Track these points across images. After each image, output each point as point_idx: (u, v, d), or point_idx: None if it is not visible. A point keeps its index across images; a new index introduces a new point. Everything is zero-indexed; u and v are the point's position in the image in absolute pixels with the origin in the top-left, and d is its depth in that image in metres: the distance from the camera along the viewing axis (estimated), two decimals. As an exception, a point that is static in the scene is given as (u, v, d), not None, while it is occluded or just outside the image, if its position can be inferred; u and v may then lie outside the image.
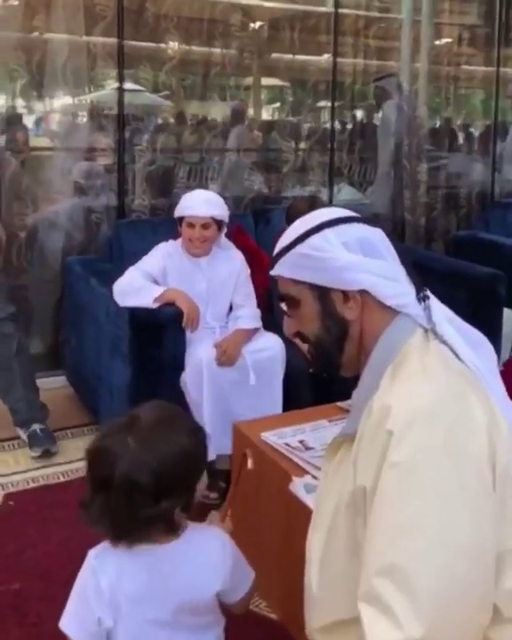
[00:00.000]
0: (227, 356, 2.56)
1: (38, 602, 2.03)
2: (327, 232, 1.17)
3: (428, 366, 1.08)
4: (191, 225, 2.69)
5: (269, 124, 4.33)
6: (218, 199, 2.78)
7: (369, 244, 1.17)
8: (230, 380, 2.52)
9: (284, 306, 1.24)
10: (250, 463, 1.39)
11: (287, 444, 2.01)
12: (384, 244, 1.19)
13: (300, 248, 1.18)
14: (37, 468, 2.74)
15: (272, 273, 1.23)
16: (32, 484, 2.63)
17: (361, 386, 1.17)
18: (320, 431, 2.06)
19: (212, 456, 2.50)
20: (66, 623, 1.23)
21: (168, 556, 1.21)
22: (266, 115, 4.53)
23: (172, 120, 4.02)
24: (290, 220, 2.22)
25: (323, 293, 1.17)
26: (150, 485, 1.11)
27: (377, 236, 1.19)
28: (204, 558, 1.24)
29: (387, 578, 0.93)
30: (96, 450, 1.16)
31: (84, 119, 3.79)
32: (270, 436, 2.06)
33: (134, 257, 2.88)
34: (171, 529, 1.18)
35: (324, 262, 1.15)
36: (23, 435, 2.92)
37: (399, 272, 1.18)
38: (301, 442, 2.01)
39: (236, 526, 2.22)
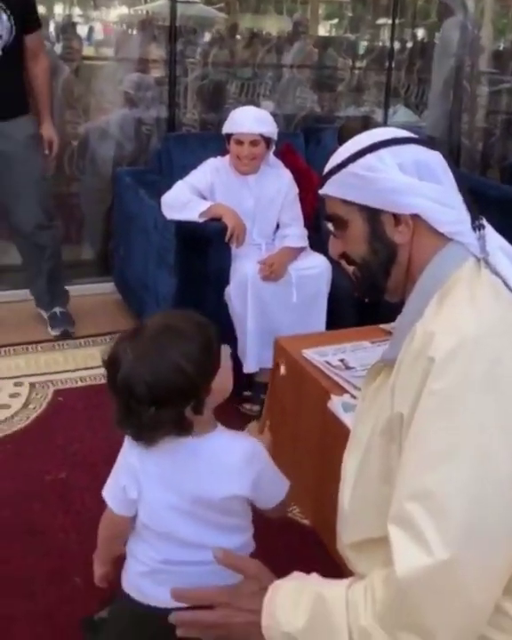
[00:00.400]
0: (272, 271, 2.50)
1: (82, 492, 2.08)
2: (382, 152, 1.08)
3: (477, 296, 1.01)
4: (239, 142, 2.59)
5: (326, 41, 4.08)
6: (267, 116, 2.67)
7: (425, 167, 1.08)
8: (274, 296, 2.48)
9: (330, 226, 1.16)
10: (283, 370, 1.34)
11: (328, 362, 1.98)
12: (442, 167, 1.10)
13: (352, 167, 1.09)
14: (85, 369, 2.77)
15: (320, 192, 1.15)
16: (80, 383, 2.67)
17: (405, 311, 1.11)
18: (361, 352, 2.01)
19: (254, 369, 2.50)
20: (104, 490, 1.30)
21: (190, 448, 1.19)
22: (323, 31, 4.24)
23: (225, 33, 3.80)
24: (342, 140, 2.09)
25: (373, 215, 1.09)
26: (145, 395, 1.08)
27: (435, 159, 1.10)
28: (225, 459, 1.20)
29: (419, 503, 0.91)
30: (106, 355, 1.15)
31: (137, 30, 3.60)
32: (311, 353, 2.02)
33: (182, 170, 2.80)
34: (182, 430, 1.14)
35: (377, 183, 1.07)
36: (45, 315, 3.07)
37: (455, 198, 1.09)
38: (342, 361, 1.97)
39: (275, 436, 2.24)
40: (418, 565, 0.88)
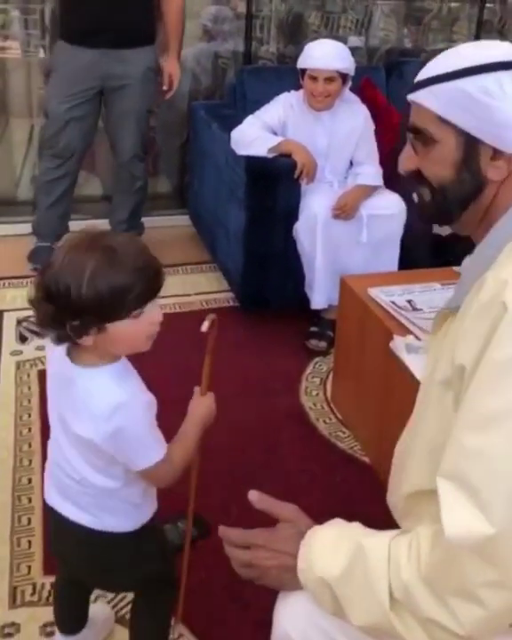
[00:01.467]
0: (344, 209, 2.32)
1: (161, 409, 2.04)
2: (502, 75, 0.87)
3: None
4: (314, 78, 2.37)
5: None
6: (344, 50, 2.41)
7: None
8: (344, 235, 2.32)
9: (412, 139, 0.96)
10: (204, 326, 1.14)
11: (393, 303, 1.83)
12: None
13: (463, 83, 0.88)
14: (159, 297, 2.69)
15: (412, 98, 0.94)
16: (150, 312, 2.61)
17: (476, 256, 0.94)
18: (430, 293, 1.85)
19: (322, 305, 2.37)
20: None
21: (73, 373, 1.07)
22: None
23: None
24: None
25: (471, 143, 0.90)
26: (44, 286, 1.00)
27: None
28: (89, 401, 1.04)
29: (477, 463, 0.78)
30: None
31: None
32: (378, 293, 1.88)
33: (257, 104, 2.61)
34: (58, 339, 1.04)
35: (489, 111, 0.87)
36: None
37: None
38: (409, 302, 1.82)
39: (339, 375, 2.13)
40: (470, 527, 0.76)
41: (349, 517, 1.73)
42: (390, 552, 0.86)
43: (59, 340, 1.05)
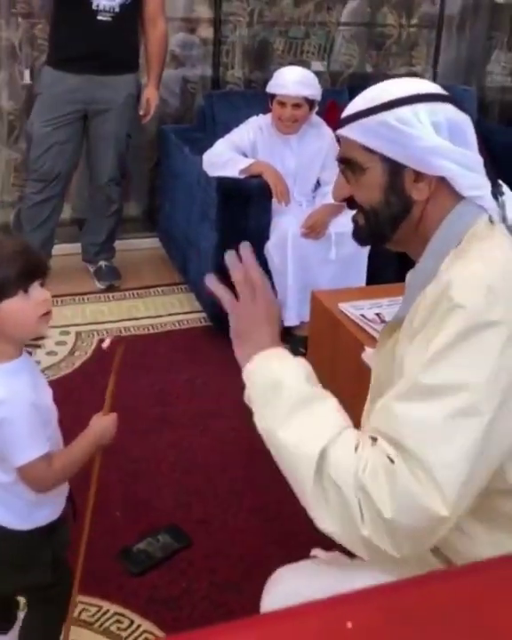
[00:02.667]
0: (314, 228, 2.44)
1: (123, 434, 2.05)
2: (419, 107, 1.00)
3: (494, 247, 0.96)
4: (282, 103, 2.52)
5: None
6: (312, 78, 2.58)
7: (458, 130, 1.01)
8: (314, 253, 2.43)
9: (343, 169, 1.08)
10: (105, 343, 1.23)
11: (363, 316, 1.94)
12: (470, 131, 1.03)
13: (384, 116, 1.00)
14: (129, 320, 2.77)
15: (341, 133, 1.06)
16: (123, 333, 2.67)
17: (417, 270, 1.05)
18: (397, 306, 1.95)
19: (295, 322, 2.47)
20: None
21: None
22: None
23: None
24: None
25: (395, 168, 1.01)
26: None
27: (466, 121, 1.03)
28: None
29: (421, 433, 0.86)
30: None
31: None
32: (347, 307, 1.98)
33: (226, 128, 2.73)
34: None
35: (409, 139, 0.99)
36: (91, 268, 3.08)
37: (479, 163, 1.03)
38: (378, 314, 1.93)
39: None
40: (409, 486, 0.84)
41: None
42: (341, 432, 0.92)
43: None
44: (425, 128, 0.99)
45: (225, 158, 2.52)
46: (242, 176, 2.49)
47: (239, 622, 0.43)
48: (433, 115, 1.00)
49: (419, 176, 1.01)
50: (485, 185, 1.02)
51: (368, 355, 1.80)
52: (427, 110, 1.00)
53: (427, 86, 1.04)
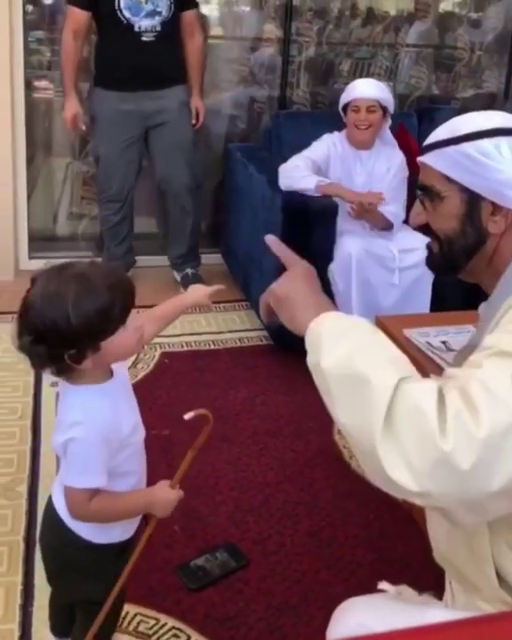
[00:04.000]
0: (359, 210, 2.50)
1: (183, 447, 2.10)
2: (501, 140, 1.02)
3: None
4: (356, 109, 2.60)
5: (447, 19, 3.87)
6: (383, 85, 2.70)
7: None
8: (378, 276, 2.44)
9: (421, 196, 1.11)
10: (188, 415, 1.16)
11: (429, 343, 1.93)
12: None
13: (465, 147, 1.03)
14: (191, 334, 2.83)
15: (422, 159, 1.10)
16: (185, 348, 2.73)
17: (491, 302, 1.06)
18: (464, 335, 1.94)
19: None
20: None
21: (62, 390, 1.21)
22: (443, 8, 4.02)
23: (346, 12, 3.68)
24: None
25: (473, 199, 1.04)
26: (29, 324, 1.10)
27: None
28: (61, 411, 1.20)
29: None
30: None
31: (252, 8, 3.56)
32: (413, 333, 1.99)
33: (292, 147, 2.78)
34: (58, 372, 1.15)
35: (488, 171, 1.02)
36: (177, 277, 3.21)
37: None
38: (444, 342, 1.92)
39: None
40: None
41: (385, 551, 1.82)
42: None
43: (59, 374, 1.16)
44: (505, 160, 1.01)
45: (301, 173, 2.56)
46: (317, 193, 2.52)
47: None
48: None
49: (496, 209, 1.03)
50: None
51: (433, 382, 1.80)
52: (508, 143, 1.02)
53: (510, 120, 1.06)
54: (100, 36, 2.96)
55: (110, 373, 1.21)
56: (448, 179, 1.05)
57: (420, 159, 1.11)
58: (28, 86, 3.22)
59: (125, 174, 3.01)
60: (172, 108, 2.95)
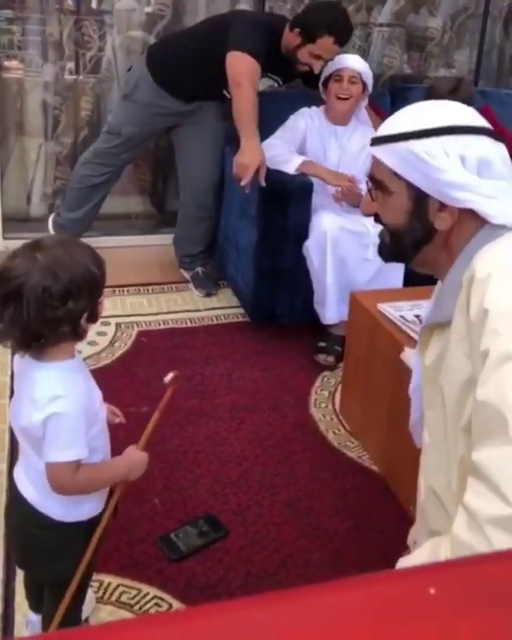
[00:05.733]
0: (345, 193, 2.51)
1: (161, 425, 2.14)
2: (448, 139, 1.02)
3: None
4: (339, 79, 2.62)
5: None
6: (365, 63, 2.72)
7: (487, 164, 1.03)
8: (352, 252, 2.45)
9: (371, 188, 1.12)
10: (167, 378, 1.28)
11: (402, 317, 1.96)
12: (504, 162, 1.05)
13: (413, 144, 1.03)
14: (167, 313, 2.83)
15: (373, 151, 1.09)
16: (162, 326, 2.73)
17: (446, 283, 1.09)
18: (437, 308, 1.98)
19: (334, 320, 2.49)
20: None
21: (29, 368, 1.20)
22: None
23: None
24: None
25: (420, 196, 1.05)
26: (59, 290, 1.11)
27: (498, 153, 1.04)
28: (32, 388, 1.17)
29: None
30: (5, 267, 1.13)
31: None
32: (387, 308, 2.01)
33: (267, 126, 2.75)
34: (76, 333, 1.17)
35: (433, 171, 1.02)
36: (187, 275, 3.07)
37: (508, 190, 1.03)
38: (417, 316, 1.95)
39: (349, 388, 2.25)
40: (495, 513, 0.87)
41: (362, 520, 1.85)
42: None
43: (75, 336, 1.17)
44: (451, 161, 1.01)
45: (281, 156, 2.55)
46: (296, 172, 2.54)
47: (322, 586, 0.47)
48: (462, 148, 1.01)
49: (443, 205, 1.04)
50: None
51: (407, 355, 1.83)
52: (456, 143, 1.01)
53: (463, 117, 1.05)
54: (210, 59, 2.66)
55: (74, 352, 1.22)
56: (396, 174, 1.06)
57: (371, 150, 1.11)
58: (-1, 66, 3.16)
59: (135, 151, 2.98)
60: (207, 114, 2.85)
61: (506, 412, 0.87)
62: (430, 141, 1.01)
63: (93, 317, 1.18)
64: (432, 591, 0.43)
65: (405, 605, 0.43)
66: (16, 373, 1.27)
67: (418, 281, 2.44)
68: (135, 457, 1.28)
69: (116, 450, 1.31)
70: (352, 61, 2.66)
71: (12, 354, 1.24)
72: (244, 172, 2.45)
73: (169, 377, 1.26)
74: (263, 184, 2.49)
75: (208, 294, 2.97)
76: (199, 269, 3.04)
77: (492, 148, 1.03)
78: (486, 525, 0.85)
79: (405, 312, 1.98)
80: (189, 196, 3.01)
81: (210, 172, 2.94)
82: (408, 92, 3.15)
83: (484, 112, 2.89)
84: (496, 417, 0.88)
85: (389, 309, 2.02)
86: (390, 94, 3.19)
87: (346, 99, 2.63)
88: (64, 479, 1.18)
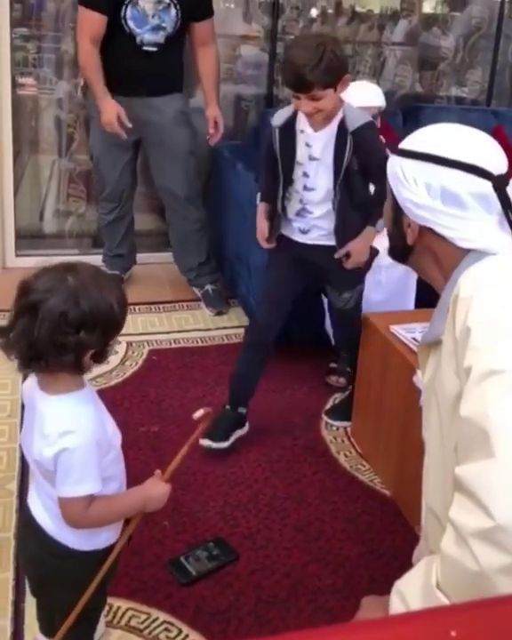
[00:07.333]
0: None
1: (173, 445, 2.14)
2: (424, 166, 1.10)
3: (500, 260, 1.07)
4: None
5: (431, 18, 3.88)
6: (378, 88, 2.69)
7: (453, 197, 1.08)
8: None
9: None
10: (197, 414, 1.26)
11: (414, 339, 1.97)
12: (478, 199, 1.08)
13: (401, 161, 1.13)
14: (179, 331, 2.85)
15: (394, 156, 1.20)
16: (173, 345, 2.75)
17: (440, 304, 1.14)
18: (450, 332, 1.99)
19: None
20: None
21: (39, 403, 1.19)
22: (427, 8, 4.06)
23: (330, 11, 3.71)
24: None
25: (397, 208, 1.15)
26: (76, 317, 1.11)
27: (472, 190, 1.08)
28: (44, 421, 1.16)
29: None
30: (32, 280, 1.14)
31: (237, 5, 3.57)
32: (399, 329, 2.03)
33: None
34: (78, 366, 1.15)
35: (402, 187, 1.12)
36: (198, 293, 3.10)
37: (476, 225, 1.09)
38: (429, 339, 1.96)
39: (360, 410, 2.26)
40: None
41: (372, 545, 1.85)
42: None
43: (75, 370, 1.16)
44: (418, 186, 1.10)
45: None
46: None
47: (344, 626, 0.48)
48: (431, 177, 1.09)
49: (411, 221, 1.14)
50: (483, 236, 1.08)
51: (419, 377, 1.83)
52: (426, 171, 1.09)
53: (453, 149, 1.09)
54: (103, 43, 2.81)
55: (84, 382, 1.22)
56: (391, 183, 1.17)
57: (389, 155, 1.21)
58: (13, 83, 3.21)
59: (119, 177, 2.98)
60: (166, 116, 2.88)
61: (486, 426, 0.89)
62: (410, 162, 1.11)
63: (100, 357, 1.16)
64: (453, 634, 0.44)
65: (427, 648, 0.44)
66: (25, 404, 1.26)
67: (430, 303, 2.46)
68: (155, 490, 1.25)
69: (127, 471, 1.31)
70: (369, 100, 2.51)
71: (19, 370, 1.24)
72: (112, 133, 2.76)
73: (200, 413, 1.25)
74: (129, 125, 2.75)
75: (219, 313, 2.99)
76: (209, 287, 3.06)
77: (465, 184, 1.08)
78: (470, 539, 0.86)
79: (418, 334, 1.99)
80: (172, 211, 3.05)
81: (182, 181, 2.95)
82: (420, 112, 3.19)
83: (496, 132, 2.97)
84: (478, 432, 0.91)
85: (402, 331, 2.03)
86: (402, 113, 3.22)
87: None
88: (76, 514, 1.18)
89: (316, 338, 2.60)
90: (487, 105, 3.69)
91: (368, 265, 2.20)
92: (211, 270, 3.10)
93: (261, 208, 2.20)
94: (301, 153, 2.04)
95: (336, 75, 1.90)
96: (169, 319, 2.93)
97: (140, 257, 3.37)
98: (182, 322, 2.92)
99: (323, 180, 2.03)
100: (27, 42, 3.34)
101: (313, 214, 2.09)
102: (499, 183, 1.09)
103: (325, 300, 2.49)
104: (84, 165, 3.35)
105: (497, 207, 1.09)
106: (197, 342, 2.77)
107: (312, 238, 2.12)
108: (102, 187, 3.04)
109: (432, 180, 1.09)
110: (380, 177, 1.88)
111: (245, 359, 2.22)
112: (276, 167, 2.09)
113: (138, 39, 2.76)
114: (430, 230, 1.11)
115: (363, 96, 2.56)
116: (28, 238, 3.38)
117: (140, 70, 2.80)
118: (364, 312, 2.25)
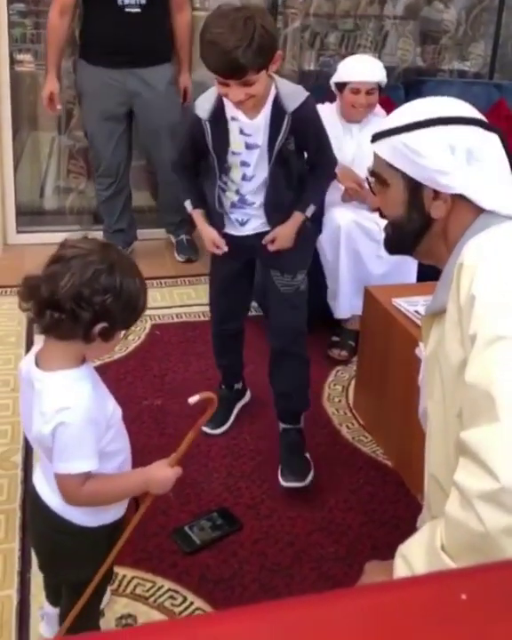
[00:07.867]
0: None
1: (175, 417, 2.16)
2: (437, 130, 1.07)
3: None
4: (356, 91, 2.51)
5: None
6: (380, 63, 2.59)
7: (475, 153, 1.06)
8: (366, 247, 2.44)
9: (372, 182, 1.17)
10: (192, 399, 1.17)
11: (417, 311, 1.95)
12: (494, 151, 1.08)
13: (405, 137, 1.08)
14: (181, 306, 2.83)
15: (373, 147, 1.15)
16: (176, 319, 2.73)
17: (443, 276, 1.12)
18: (451, 303, 1.97)
19: (346, 315, 2.48)
20: None
21: (35, 379, 1.16)
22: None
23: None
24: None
25: (414, 186, 1.10)
26: (106, 282, 1.09)
27: (489, 143, 1.08)
28: (42, 398, 1.14)
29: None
30: (75, 239, 1.14)
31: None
32: (402, 302, 2.00)
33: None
34: (86, 336, 1.12)
35: (424, 160, 1.07)
36: (173, 239, 3.26)
37: (501, 177, 1.08)
38: (432, 311, 1.93)
39: (363, 382, 2.24)
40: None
41: (374, 514, 1.85)
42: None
43: (85, 339, 1.13)
44: (439, 150, 1.06)
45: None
46: None
47: (349, 590, 0.47)
48: (450, 137, 1.06)
49: (437, 194, 1.08)
50: (499, 194, 1.07)
51: (421, 350, 1.81)
52: (445, 133, 1.06)
53: (454, 109, 1.09)
54: (85, 9, 2.88)
55: (83, 359, 1.19)
56: (392, 166, 1.11)
57: (372, 147, 1.16)
58: (11, 60, 3.15)
59: (113, 150, 2.97)
60: (157, 89, 2.88)
61: (492, 391, 0.89)
62: (421, 132, 1.07)
63: (107, 335, 1.13)
64: (463, 597, 0.42)
65: (437, 611, 0.42)
66: (21, 384, 1.24)
67: (432, 276, 2.43)
68: (159, 473, 1.21)
69: (131, 445, 1.29)
70: (369, 73, 2.48)
71: (27, 346, 1.22)
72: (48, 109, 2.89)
73: (195, 398, 1.17)
74: (58, 108, 2.91)
75: (188, 260, 3.12)
76: (183, 237, 3.19)
77: (482, 138, 1.08)
78: (475, 501, 0.86)
79: (420, 307, 1.97)
80: (159, 175, 3.08)
81: (171, 151, 2.84)
82: (422, 86, 3.12)
83: (498, 105, 2.90)
84: (483, 397, 0.90)
85: (404, 304, 2.01)
86: (404, 87, 3.16)
87: (364, 108, 2.54)
88: (72, 491, 1.16)
89: (318, 311, 2.58)
90: (490, 78, 3.61)
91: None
92: (187, 225, 3.12)
93: (198, 215, 1.92)
94: (236, 142, 1.76)
95: (269, 54, 1.59)
96: (171, 294, 2.91)
97: (142, 233, 3.35)
98: (184, 296, 2.90)
99: (262, 166, 1.79)
100: (24, 18, 3.27)
101: (254, 204, 1.85)
102: (501, 135, 1.09)
103: (330, 271, 2.45)
104: (83, 142, 3.30)
105: (504, 161, 1.08)
106: (199, 317, 2.75)
107: (253, 227, 1.89)
108: (98, 162, 3.03)
109: (454, 141, 1.06)
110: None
111: (217, 344, 2.17)
112: (199, 163, 1.88)
113: (119, 0, 2.73)
114: (457, 197, 1.07)
115: (363, 70, 2.51)
116: (29, 215, 3.35)
117: (123, 36, 2.76)
118: (365, 285, 2.22)
